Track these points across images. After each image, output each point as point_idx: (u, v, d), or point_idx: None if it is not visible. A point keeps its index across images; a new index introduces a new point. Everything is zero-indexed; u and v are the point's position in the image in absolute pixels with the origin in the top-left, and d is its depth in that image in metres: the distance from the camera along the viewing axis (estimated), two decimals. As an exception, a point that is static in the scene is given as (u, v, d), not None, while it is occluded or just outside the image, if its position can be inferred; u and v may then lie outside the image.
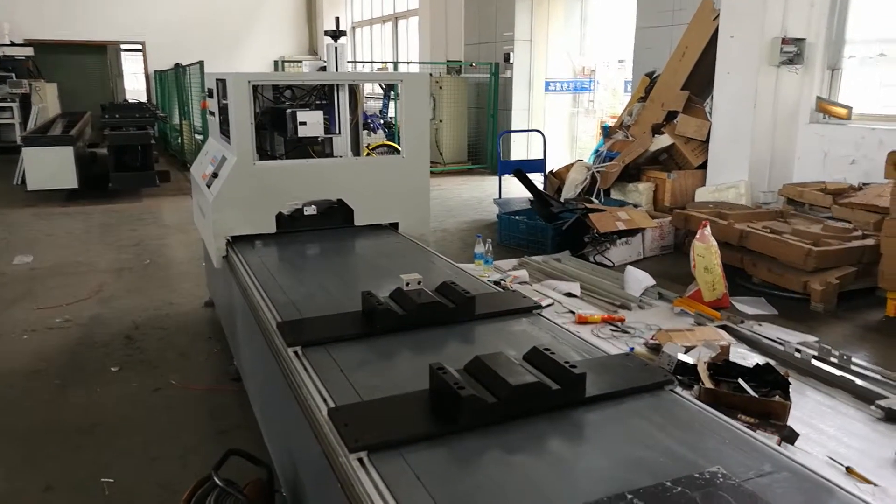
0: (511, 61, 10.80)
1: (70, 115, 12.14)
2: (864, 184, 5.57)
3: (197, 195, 4.10)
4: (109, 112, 11.26)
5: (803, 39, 6.14)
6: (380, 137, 10.86)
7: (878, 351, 3.90)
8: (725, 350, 3.50)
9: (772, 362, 3.33)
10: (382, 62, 14.73)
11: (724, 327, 4.04)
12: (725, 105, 6.45)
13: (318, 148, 3.83)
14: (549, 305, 4.45)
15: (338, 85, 3.70)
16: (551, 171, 7.72)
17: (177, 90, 12.36)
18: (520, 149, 10.83)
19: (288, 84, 3.83)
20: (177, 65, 12.38)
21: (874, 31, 6.12)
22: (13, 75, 13.25)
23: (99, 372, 3.72)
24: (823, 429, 2.94)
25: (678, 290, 4.74)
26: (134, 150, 8.97)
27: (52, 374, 3.68)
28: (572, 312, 4.34)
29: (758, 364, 3.21)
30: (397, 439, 1.52)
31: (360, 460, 1.47)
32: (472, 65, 11.54)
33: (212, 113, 4.21)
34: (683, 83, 6.99)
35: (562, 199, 6.77)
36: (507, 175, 7.62)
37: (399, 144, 3.96)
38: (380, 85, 11.79)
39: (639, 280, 4.73)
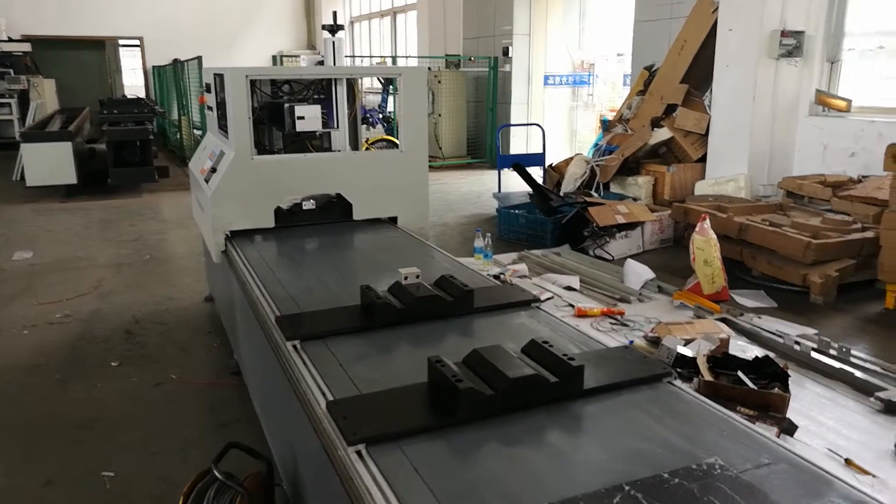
0: (510, 55, 10.78)
1: (68, 110, 12.11)
2: (863, 176, 5.56)
3: (196, 190, 4.10)
4: (108, 108, 11.25)
5: (802, 32, 6.13)
6: (379, 132, 10.86)
7: (878, 343, 3.91)
8: (725, 343, 3.50)
9: (771, 355, 3.33)
10: (381, 57, 14.69)
11: (723, 320, 4.04)
12: (724, 98, 6.45)
13: (316, 142, 3.82)
14: (548, 299, 4.45)
15: (335, 79, 3.70)
16: (550, 165, 7.72)
17: (175, 85, 12.33)
18: (519, 143, 10.82)
19: (286, 78, 3.82)
20: (175, 60, 12.34)
21: (873, 24, 6.11)
22: (11, 71, 13.24)
23: (99, 367, 3.72)
24: (823, 421, 2.94)
25: (678, 283, 4.74)
26: (133, 145, 8.96)
27: (52, 370, 3.69)
28: (572, 306, 4.34)
29: (757, 357, 3.21)
30: (396, 432, 1.52)
31: (359, 453, 1.47)
32: (470, 59, 11.51)
33: (210, 108, 4.20)
34: (682, 76, 6.98)
35: (561, 193, 6.77)
36: (506, 169, 7.62)
37: (398, 139, 3.96)
38: (378, 79, 11.77)
39: (638, 273, 4.74)
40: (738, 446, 1.50)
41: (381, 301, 2.19)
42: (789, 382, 2.98)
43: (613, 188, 6.88)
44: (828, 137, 6.09)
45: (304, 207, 3.50)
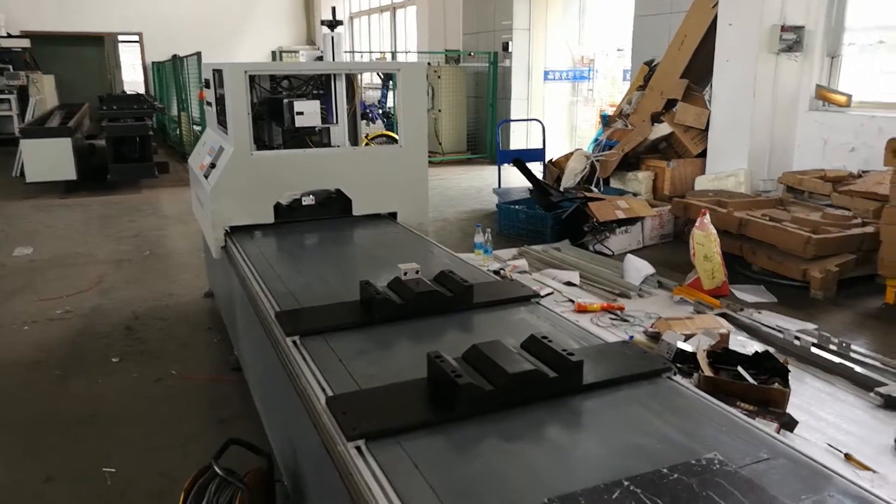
0: (510, 50, 10.76)
1: (68, 106, 12.10)
2: (863, 171, 5.55)
3: (195, 186, 4.09)
4: (107, 103, 11.21)
5: (802, 27, 6.11)
6: (378, 127, 10.84)
7: (878, 338, 3.91)
8: (725, 338, 3.50)
9: (771, 350, 3.33)
10: (381, 52, 14.67)
11: (723, 315, 4.04)
12: (725, 93, 6.43)
13: (315, 138, 3.81)
14: (548, 294, 4.45)
15: (335, 75, 3.69)
16: (550, 161, 7.71)
17: (175, 81, 12.32)
18: (519, 138, 10.81)
19: (285, 74, 3.81)
20: (174, 56, 12.32)
21: (874, 19, 6.09)
22: (10, 67, 13.22)
23: (100, 363, 3.73)
24: (822, 416, 2.94)
25: (678, 278, 4.74)
26: (132, 141, 8.95)
27: (52, 366, 3.69)
28: (572, 301, 4.34)
29: (757, 352, 3.21)
30: (395, 427, 1.52)
31: (358, 448, 1.47)
32: (470, 54, 11.49)
33: (209, 103, 4.20)
34: (682, 71, 6.96)
35: (561, 189, 6.76)
36: (506, 164, 7.61)
37: (397, 134, 3.96)
38: (378, 75, 11.75)
39: (638, 269, 4.73)
40: (737, 441, 1.50)
41: (381, 296, 2.19)
42: (789, 378, 2.99)
43: (613, 183, 6.87)
44: (828, 132, 6.08)
45: (304, 203, 3.50)
